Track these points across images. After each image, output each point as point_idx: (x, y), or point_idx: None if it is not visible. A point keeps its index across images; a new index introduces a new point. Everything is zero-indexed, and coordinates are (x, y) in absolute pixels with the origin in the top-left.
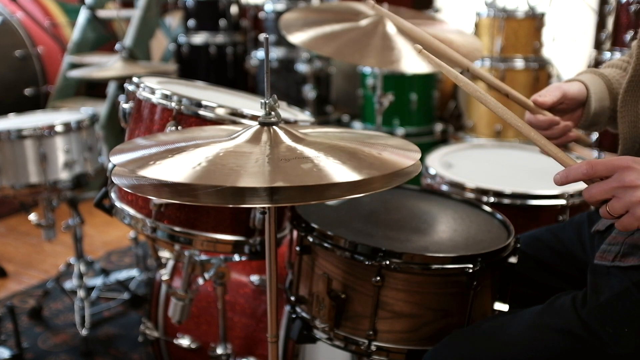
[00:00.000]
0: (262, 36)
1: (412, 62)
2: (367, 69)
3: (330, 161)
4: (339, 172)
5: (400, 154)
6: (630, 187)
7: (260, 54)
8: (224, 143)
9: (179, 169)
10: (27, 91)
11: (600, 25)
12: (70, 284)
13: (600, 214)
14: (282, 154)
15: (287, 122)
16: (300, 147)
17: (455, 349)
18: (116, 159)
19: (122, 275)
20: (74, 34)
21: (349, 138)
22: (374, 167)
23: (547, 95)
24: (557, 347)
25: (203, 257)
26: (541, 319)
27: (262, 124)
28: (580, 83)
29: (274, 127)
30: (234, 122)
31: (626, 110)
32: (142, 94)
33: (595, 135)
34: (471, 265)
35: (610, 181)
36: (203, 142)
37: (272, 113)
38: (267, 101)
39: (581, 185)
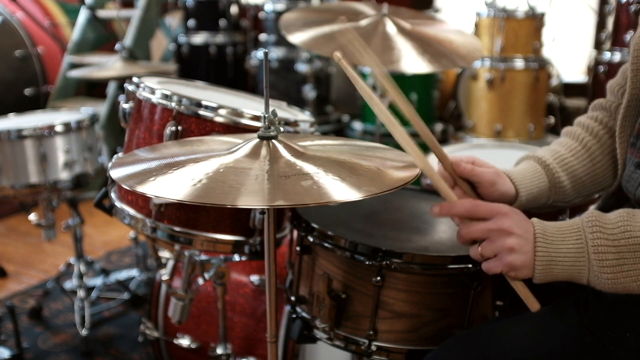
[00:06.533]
0: (262, 36)
1: (412, 62)
2: (367, 69)
3: (330, 177)
4: (339, 190)
5: (399, 166)
6: (504, 233)
7: (260, 54)
8: (223, 157)
9: (179, 186)
10: (27, 91)
11: (600, 25)
12: (70, 284)
13: (471, 254)
14: (282, 170)
15: (287, 122)
16: (299, 163)
17: (457, 351)
18: (116, 172)
19: (122, 275)
20: (74, 34)
21: (348, 151)
22: (373, 184)
23: (477, 171)
24: (561, 351)
25: (203, 257)
26: (545, 322)
27: (262, 138)
28: (512, 185)
29: (273, 140)
30: (235, 122)
31: (624, 136)
32: (142, 94)
33: None
34: (471, 265)
35: (490, 223)
36: (202, 157)
37: (272, 127)
38: (266, 115)
39: None
